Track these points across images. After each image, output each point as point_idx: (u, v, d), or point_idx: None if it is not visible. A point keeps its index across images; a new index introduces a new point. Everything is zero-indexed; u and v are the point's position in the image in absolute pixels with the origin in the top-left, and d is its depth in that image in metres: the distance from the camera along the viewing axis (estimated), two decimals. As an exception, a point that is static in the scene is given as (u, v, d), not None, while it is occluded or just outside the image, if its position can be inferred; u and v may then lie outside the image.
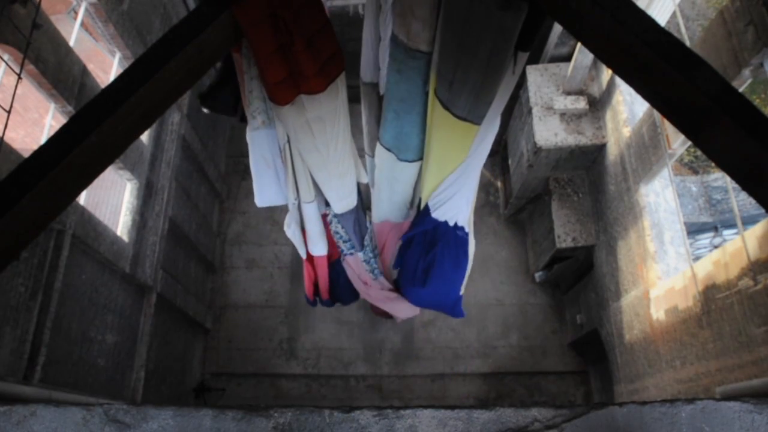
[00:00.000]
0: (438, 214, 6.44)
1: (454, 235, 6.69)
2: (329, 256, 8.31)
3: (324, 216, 7.65)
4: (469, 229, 6.78)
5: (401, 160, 6.09)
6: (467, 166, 5.88)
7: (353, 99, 5.58)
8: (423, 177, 6.28)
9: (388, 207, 7.17)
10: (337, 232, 7.91)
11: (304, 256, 8.06)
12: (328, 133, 5.37)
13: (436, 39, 4.63)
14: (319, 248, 7.94)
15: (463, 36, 4.26)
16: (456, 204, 6.36)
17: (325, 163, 5.82)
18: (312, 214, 7.05)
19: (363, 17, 5.71)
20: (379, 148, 6.16)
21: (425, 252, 6.90)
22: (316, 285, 9.02)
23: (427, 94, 5.22)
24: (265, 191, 6.46)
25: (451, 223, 6.54)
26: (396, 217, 7.39)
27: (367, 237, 7.83)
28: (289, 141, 5.77)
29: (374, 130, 6.31)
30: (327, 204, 7.31)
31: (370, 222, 7.90)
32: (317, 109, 5.03)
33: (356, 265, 8.64)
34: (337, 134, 5.48)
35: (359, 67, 5.96)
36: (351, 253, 8.30)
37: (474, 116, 5.07)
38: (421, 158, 6.05)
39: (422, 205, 6.71)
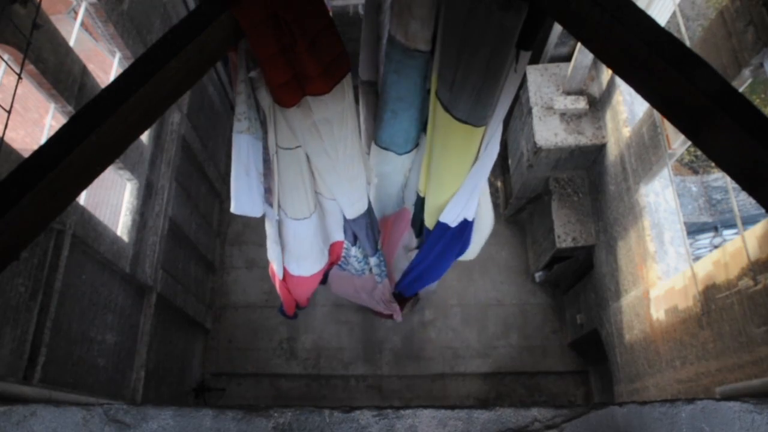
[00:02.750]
0: (455, 222, 6.50)
1: (469, 231, 6.76)
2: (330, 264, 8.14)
3: (339, 244, 7.50)
4: (475, 212, 6.76)
5: (400, 154, 6.10)
6: (475, 173, 5.86)
7: (355, 99, 5.56)
8: (426, 179, 6.26)
9: (385, 200, 7.16)
10: (349, 260, 7.81)
11: (281, 276, 7.63)
12: (336, 135, 5.33)
13: (437, 39, 4.63)
14: (304, 267, 7.54)
15: (464, 37, 4.26)
16: (468, 206, 6.39)
17: (334, 166, 5.76)
18: (305, 230, 6.76)
19: (363, 17, 5.71)
20: (374, 149, 6.14)
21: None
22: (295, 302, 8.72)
23: (427, 91, 5.21)
24: (241, 199, 6.14)
25: (460, 220, 6.58)
26: (392, 209, 7.39)
27: (379, 241, 7.76)
28: (277, 153, 5.60)
29: (371, 128, 6.31)
30: (346, 235, 7.23)
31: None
32: (323, 111, 4.99)
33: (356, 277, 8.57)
34: (346, 136, 5.43)
35: (358, 66, 5.96)
36: (360, 273, 8.23)
37: (473, 119, 5.04)
38: (417, 145, 6.06)
39: (431, 223, 6.76)
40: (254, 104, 5.13)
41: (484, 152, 5.64)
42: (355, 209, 6.74)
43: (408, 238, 8.04)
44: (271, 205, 6.22)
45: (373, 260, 7.94)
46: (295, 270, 7.60)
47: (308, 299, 8.95)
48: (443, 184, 6.11)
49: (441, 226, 6.58)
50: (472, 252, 7.77)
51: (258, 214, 6.49)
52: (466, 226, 6.72)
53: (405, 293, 8.78)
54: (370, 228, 7.20)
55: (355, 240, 7.48)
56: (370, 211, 7.00)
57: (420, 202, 6.89)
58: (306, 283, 8.01)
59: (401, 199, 7.24)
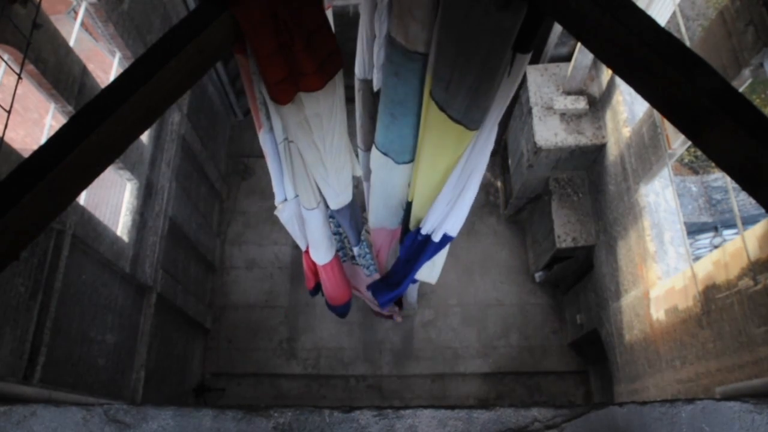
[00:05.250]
0: (435, 236, 6.51)
1: (441, 244, 6.77)
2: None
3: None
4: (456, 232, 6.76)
5: (399, 163, 6.07)
6: (461, 178, 5.83)
7: (351, 99, 5.59)
8: (414, 182, 6.27)
9: (384, 212, 7.15)
10: (337, 236, 7.91)
11: (303, 248, 8.14)
12: (324, 128, 5.39)
13: (432, 39, 4.62)
14: (322, 256, 7.90)
15: (461, 36, 4.24)
16: (451, 219, 6.38)
17: (321, 158, 5.83)
18: (315, 220, 7.04)
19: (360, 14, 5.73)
20: (375, 153, 6.13)
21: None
22: (317, 281, 9.02)
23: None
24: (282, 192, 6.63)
25: (442, 233, 6.57)
26: (391, 223, 7.36)
27: (363, 232, 7.83)
28: (286, 140, 5.80)
29: (367, 125, 6.32)
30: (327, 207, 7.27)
31: (367, 221, 7.89)
32: (315, 107, 5.03)
33: (350, 269, 8.66)
34: (333, 129, 5.48)
35: (354, 64, 5.99)
36: (345, 260, 8.33)
37: (468, 120, 5.02)
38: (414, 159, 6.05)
39: (412, 225, 6.77)
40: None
41: (472, 156, 5.59)
42: (339, 200, 6.82)
43: (395, 245, 8.15)
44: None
45: (356, 250, 8.04)
46: (315, 256, 8.03)
47: (343, 300, 9.19)
48: (430, 185, 6.10)
49: (420, 236, 6.57)
50: (432, 275, 7.83)
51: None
52: (446, 241, 6.73)
53: (383, 306, 8.98)
54: (353, 218, 7.31)
55: (338, 226, 7.77)
56: (354, 203, 7.09)
57: (408, 208, 6.91)
58: (333, 271, 8.35)
59: (401, 217, 7.26)
